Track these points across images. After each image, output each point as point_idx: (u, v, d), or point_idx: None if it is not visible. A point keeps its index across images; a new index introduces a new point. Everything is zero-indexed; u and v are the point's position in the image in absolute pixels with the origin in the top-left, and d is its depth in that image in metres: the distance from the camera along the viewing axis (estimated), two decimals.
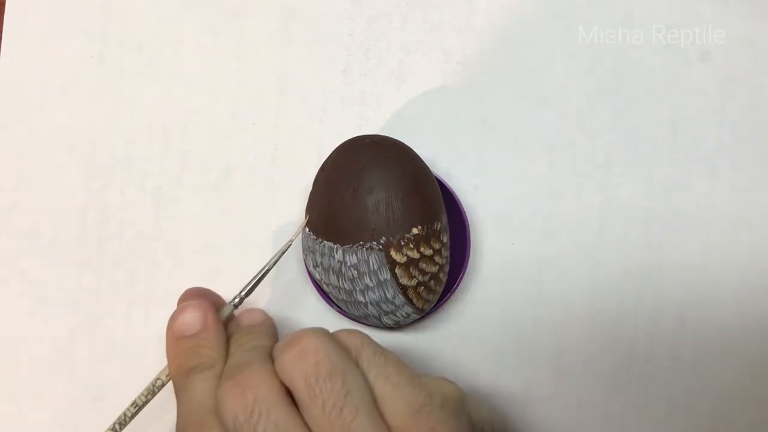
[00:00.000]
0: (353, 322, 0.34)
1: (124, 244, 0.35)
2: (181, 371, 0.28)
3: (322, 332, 0.26)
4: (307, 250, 0.32)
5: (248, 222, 0.35)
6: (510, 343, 0.35)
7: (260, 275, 0.31)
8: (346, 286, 0.31)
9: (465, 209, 0.34)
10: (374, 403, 0.25)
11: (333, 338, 0.26)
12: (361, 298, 0.31)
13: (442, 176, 0.34)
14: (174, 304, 0.35)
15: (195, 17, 0.36)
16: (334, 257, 0.31)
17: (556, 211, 0.35)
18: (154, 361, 0.35)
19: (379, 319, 0.32)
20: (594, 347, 0.34)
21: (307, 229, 0.32)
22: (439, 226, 0.31)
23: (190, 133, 0.35)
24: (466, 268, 0.34)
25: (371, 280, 0.30)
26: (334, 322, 0.35)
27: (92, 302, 0.35)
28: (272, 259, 0.31)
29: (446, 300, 0.34)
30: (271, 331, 0.30)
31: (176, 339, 0.29)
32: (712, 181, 0.35)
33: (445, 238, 0.32)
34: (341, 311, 0.33)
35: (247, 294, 0.31)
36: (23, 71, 0.36)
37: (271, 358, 0.27)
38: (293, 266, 0.35)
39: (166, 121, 0.36)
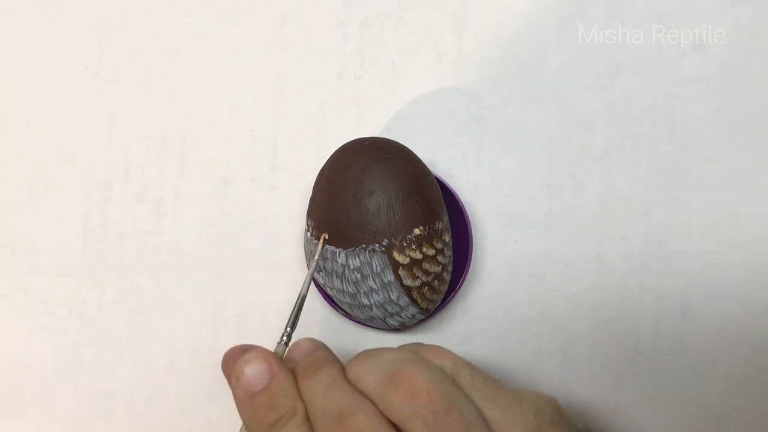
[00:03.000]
0: (358, 324, 0.34)
1: (126, 257, 0.35)
2: (262, 428, 0.26)
3: (423, 363, 0.25)
4: (310, 255, 0.32)
5: (249, 229, 0.35)
6: (516, 339, 0.35)
7: (298, 305, 0.29)
8: (350, 290, 0.31)
9: (466, 208, 0.34)
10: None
11: (433, 366, 0.25)
12: (365, 301, 0.31)
13: (441, 176, 0.34)
14: (177, 313, 0.35)
15: (188, 27, 0.36)
16: (337, 261, 0.31)
17: (556, 206, 0.35)
18: (161, 371, 0.35)
19: (384, 321, 0.32)
20: (600, 340, 0.34)
21: (309, 234, 0.32)
22: (440, 226, 0.31)
23: (188, 142, 0.35)
24: (468, 267, 0.34)
25: (375, 283, 0.30)
26: (338, 325, 0.35)
27: (96, 316, 0.35)
28: (304, 285, 0.30)
29: (450, 299, 0.34)
30: (331, 355, 0.28)
31: (248, 397, 0.26)
32: (712, 170, 0.35)
33: (447, 238, 0.32)
34: (346, 314, 0.33)
35: (293, 328, 0.29)
36: (19, 86, 0.36)
37: (363, 395, 0.25)
38: (296, 271, 0.35)
39: (163, 131, 0.36)
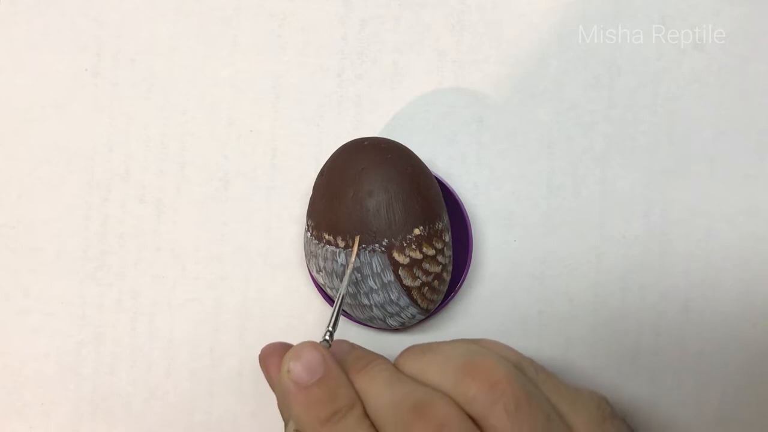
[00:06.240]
0: (358, 324, 0.34)
1: (126, 257, 0.35)
2: (319, 422, 0.24)
3: (496, 354, 0.25)
4: (310, 255, 0.32)
5: (249, 230, 0.35)
6: (516, 339, 0.35)
7: (338, 305, 0.28)
8: (350, 290, 0.31)
9: (466, 208, 0.34)
10: None
11: (504, 358, 0.25)
12: (365, 301, 0.31)
13: (441, 175, 0.34)
14: (177, 314, 0.35)
15: (187, 27, 0.36)
16: (337, 261, 0.31)
17: (556, 205, 0.35)
18: (161, 371, 0.35)
19: (384, 321, 0.32)
20: (600, 340, 0.34)
21: (309, 234, 0.32)
22: (440, 226, 0.31)
23: (187, 143, 0.36)
24: (468, 267, 0.34)
25: (375, 283, 0.30)
26: (339, 326, 0.35)
27: (97, 316, 0.35)
28: (342, 285, 0.29)
29: (450, 299, 0.34)
30: (374, 353, 0.28)
31: (303, 390, 0.25)
32: (711, 169, 0.35)
33: (447, 238, 0.32)
34: (346, 314, 0.33)
35: (334, 328, 0.28)
36: (18, 87, 0.36)
37: (431, 387, 0.24)
38: (296, 271, 0.35)
39: (163, 132, 0.36)
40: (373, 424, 0.24)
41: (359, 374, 0.25)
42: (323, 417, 0.24)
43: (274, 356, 0.27)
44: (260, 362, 0.28)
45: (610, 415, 0.25)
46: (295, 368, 0.25)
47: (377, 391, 0.25)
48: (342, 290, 0.29)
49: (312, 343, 0.26)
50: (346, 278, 0.29)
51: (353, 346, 0.28)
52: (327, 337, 0.27)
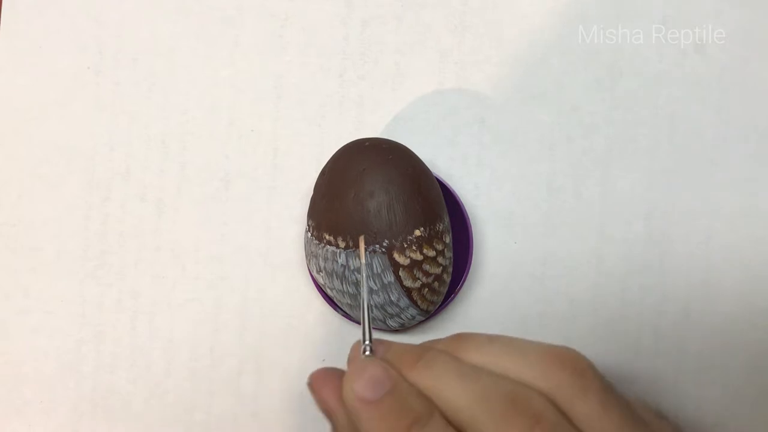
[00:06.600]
0: (358, 325, 0.34)
1: (126, 257, 0.35)
2: None
3: (573, 350, 0.24)
4: (310, 255, 0.32)
5: (249, 230, 0.35)
6: None
7: (367, 315, 0.26)
8: (350, 290, 0.31)
9: (466, 208, 0.34)
10: None
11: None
12: None
13: (442, 176, 0.34)
14: (177, 314, 0.35)
15: (189, 27, 0.36)
16: (337, 261, 0.31)
17: (557, 207, 0.35)
18: (161, 371, 0.35)
19: (384, 322, 0.32)
20: (600, 340, 0.34)
21: (309, 234, 0.32)
22: (441, 227, 0.31)
23: (188, 142, 0.35)
24: (469, 268, 0.34)
25: (375, 283, 0.30)
26: (338, 326, 0.35)
27: (97, 315, 0.35)
28: (364, 290, 0.27)
29: (451, 300, 0.34)
30: (410, 345, 0.26)
31: (374, 404, 0.23)
32: (712, 171, 0.35)
33: (448, 239, 0.32)
34: (346, 315, 0.33)
35: (371, 339, 0.26)
36: (19, 87, 0.36)
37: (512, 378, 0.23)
38: (296, 271, 0.35)
39: (164, 131, 0.36)
40: (453, 426, 0.23)
41: (415, 371, 0.24)
42: (402, 428, 0.23)
43: (328, 382, 0.25)
44: (316, 388, 0.26)
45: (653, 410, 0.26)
46: (360, 386, 0.23)
47: (452, 390, 0.23)
48: (364, 295, 0.27)
49: (369, 359, 0.24)
50: (364, 285, 0.28)
51: (385, 343, 0.26)
52: (368, 351, 0.25)
